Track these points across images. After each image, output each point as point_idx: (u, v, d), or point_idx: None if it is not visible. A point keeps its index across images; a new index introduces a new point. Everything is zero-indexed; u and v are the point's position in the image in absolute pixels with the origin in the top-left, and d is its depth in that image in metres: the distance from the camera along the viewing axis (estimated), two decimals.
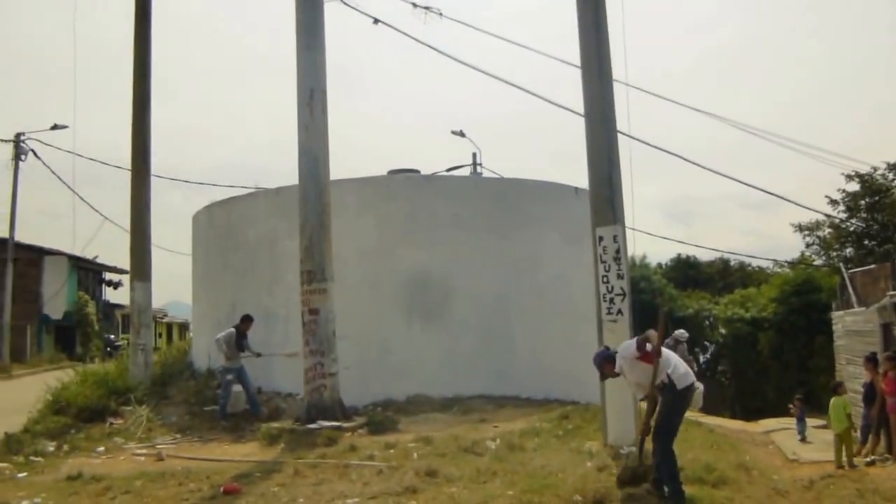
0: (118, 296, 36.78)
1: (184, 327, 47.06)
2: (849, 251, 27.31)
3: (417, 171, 13.11)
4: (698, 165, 13.56)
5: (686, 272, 33.69)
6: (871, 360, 9.15)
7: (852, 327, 16.07)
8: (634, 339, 5.78)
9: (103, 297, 37.04)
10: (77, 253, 29.69)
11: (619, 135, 8.52)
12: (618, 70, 8.73)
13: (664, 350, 5.70)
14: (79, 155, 29.20)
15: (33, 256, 29.99)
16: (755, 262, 36.43)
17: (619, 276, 7.79)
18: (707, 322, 27.47)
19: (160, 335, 43.07)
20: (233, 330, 10.63)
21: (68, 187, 22.78)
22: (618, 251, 7.84)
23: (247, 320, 10.71)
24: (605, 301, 7.78)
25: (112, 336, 34.11)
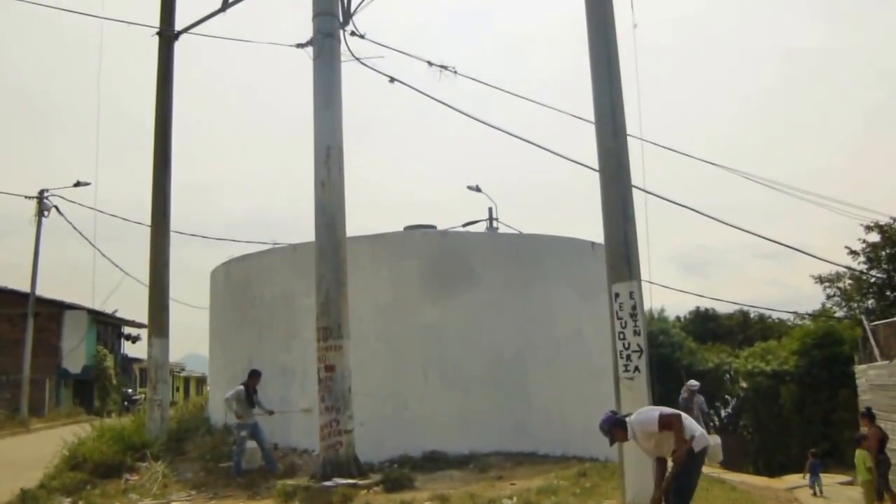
0: (136, 349, 36.94)
1: (201, 381, 47.07)
2: (870, 303, 27.07)
3: (433, 227, 13.19)
4: (714, 219, 13.57)
5: (705, 325, 33.43)
6: (867, 416, 9.08)
7: (876, 381, 15.87)
8: (657, 414, 5.63)
9: (122, 351, 37.20)
10: (97, 307, 29.94)
11: (634, 189, 8.56)
12: (633, 123, 8.80)
13: (683, 416, 5.67)
14: (100, 211, 29.56)
15: (54, 311, 30.26)
16: (775, 315, 36.08)
17: (636, 333, 7.75)
18: (728, 376, 27.13)
19: (177, 389, 43.09)
20: (241, 387, 10.61)
21: (90, 243, 22.98)
22: (634, 307, 7.81)
23: (254, 375, 10.70)
24: (621, 358, 7.73)
25: (130, 390, 34.15)
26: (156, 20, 13.71)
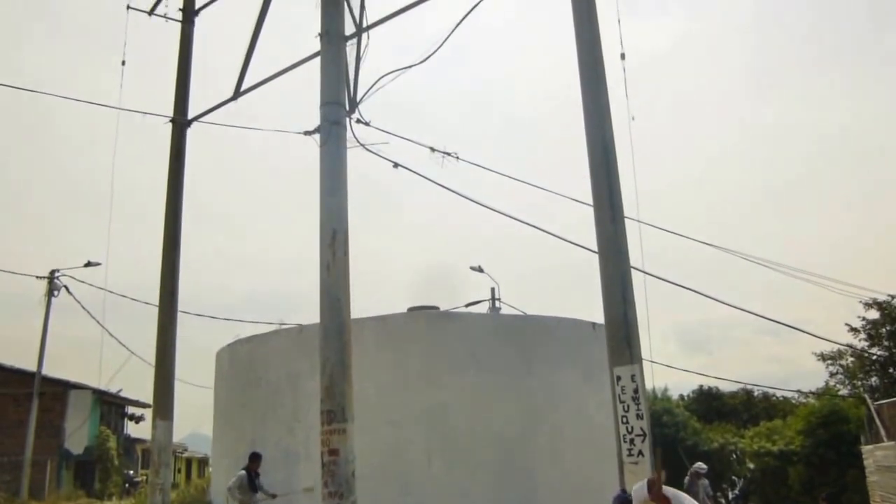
0: (140, 430, 36.49)
1: (203, 462, 46.30)
2: (874, 380, 26.79)
3: (437, 308, 13.22)
4: (713, 299, 13.58)
5: (709, 404, 33.02)
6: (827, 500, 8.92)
7: (884, 462, 15.59)
8: (645, 481, 5.70)
9: (125, 432, 36.74)
10: (102, 387, 29.74)
11: (633, 270, 8.62)
12: (633, 202, 8.91)
13: (676, 492, 5.62)
14: (110, 291, 29.64)
15: (59, 390, 30.02)
16: (780, 393, 35.66)
17: (639, 417, 7.69)
18: (734, 456, 26.66)
19: (179, 471, 42.36)
20: (243, 472, 10.47)
21: (98, 323, 23.03)
22: (636, 391, 7.77)
23: (255, 459, 10.56)
24: (625, 442, 7.65)
25: (131, 472, 33.59)
26: (167, 100, 14.05)
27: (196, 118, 13.97)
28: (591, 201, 8.86)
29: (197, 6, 13.67)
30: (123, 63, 14.31)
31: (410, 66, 9.86)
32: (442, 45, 9.41)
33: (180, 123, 13.89)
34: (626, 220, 8.76)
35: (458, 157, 11.33)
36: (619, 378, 7.97)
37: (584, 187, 9.20)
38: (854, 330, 26.12)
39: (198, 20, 13.93)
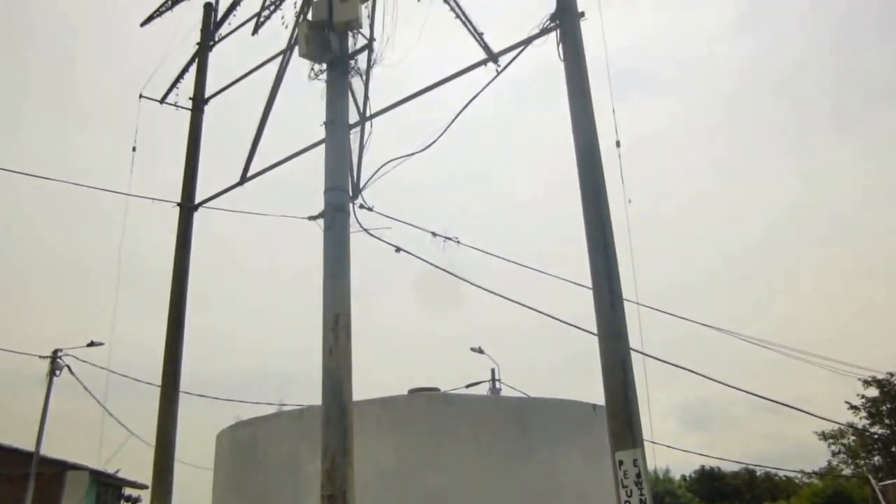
0: None
1: None
2: (877, 459, 26.47)
3: (437, 390, 13.18)
4: (712, 380, 13.54)
5: (711, 484, 32.57)
6: None
7: None
8: None
9: None
10: (99, 467, 29.29)
11: (633, 352, 8.65)
12: (636, 283, 9.00)
13: None
14: (112, 371, 29.44)
15: (56, 471, 29.56)
16: (782, 472, 35.17)
17: (642, 502, 7.62)
18: None
19: None
20: None
21: (99, 403, 22.90)
22: (639, 475, 7.72)
23: None
24: None
25: None
26: (174, 180, 14.29)
27: (203, 203, 14.19)
28: (590, 284, 8.98)
29: (207, 95, 14.05)
30: (134, 149, 14.61)
31: (413, 154, 10.09)
32: (443, 133, 9.63)
33: (187, 208, 14.11)
34: (625, 302, 8.88)
35: (458, 242, 11.50)
36: (621, 463, 7.91)
37: (583, 268, 9.33)
38: (854, 408, 26.02)
39: (207, 108, 14.32)
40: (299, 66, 11.11)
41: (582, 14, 8.18)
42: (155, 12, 15.12)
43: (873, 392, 26.17)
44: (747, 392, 13.67)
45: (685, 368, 13.68)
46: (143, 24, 15.44)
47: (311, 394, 12.11)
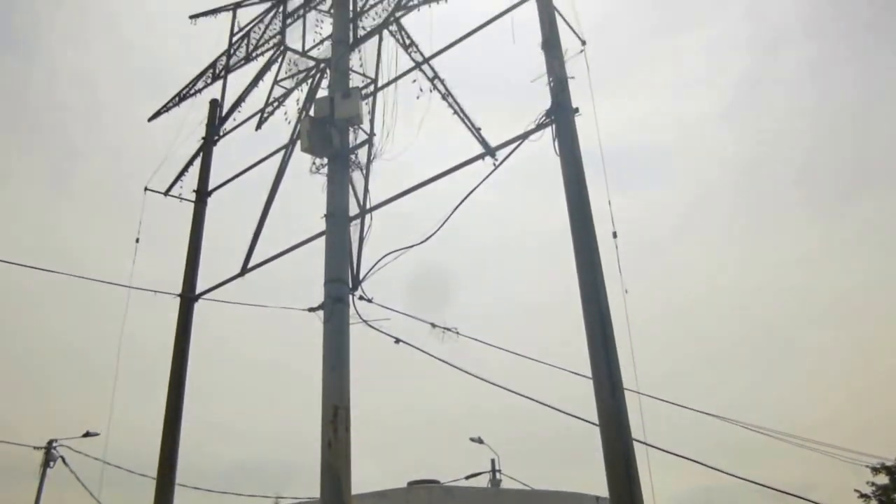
0: None
1: None
2: None
3: (437, 482, 12.88)
4: (717, 470, 13.26)
5: None
6: None
7: None
8: None
9: None
10: None
11: (636, 441, 8.47)
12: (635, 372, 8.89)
13: None
14: (107, 463, 28.82)
15: None
16: None
17: None
18: None
19: None
20: None
21: (92, 496, 22.36)
22: None
23: None
24: None
25: None
26: (174, 269, 14.30)
27: (203, 293, 14.17)
28: (590, 374, 8.86)
29: (210, 188, 14.21)
30: (137, 240, 14.67)
31: (412, 246, 10.11)
32: (442, 225, 9.67)
33: (188, 298, 14.08)
34: (625, 392, 8.74)
35: (458, 333, 11.41)
36: None
37: (582, 353, 9.23)
38: (865, 496, 25.24)
39: (210, 200, 14.45)
40: (301, 158, 11.30)
41: (576, 110, 8.34)
42: (162, 108, 15.46)
43: (883, 479, 25.43)
44: (754, 482, 13.33)
45: (689, 459, 13.40)
46: (150, 119, 15.78)
47: (310, 485, 11.81)
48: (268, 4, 14.37)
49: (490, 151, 9.31)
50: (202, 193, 14.10)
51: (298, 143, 10.97)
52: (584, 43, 8.99)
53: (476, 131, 9.75)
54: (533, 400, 13.03)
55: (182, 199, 14.43)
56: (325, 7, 12.92)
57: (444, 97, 10.27)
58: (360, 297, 11.65)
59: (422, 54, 10.78)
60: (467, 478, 19.36)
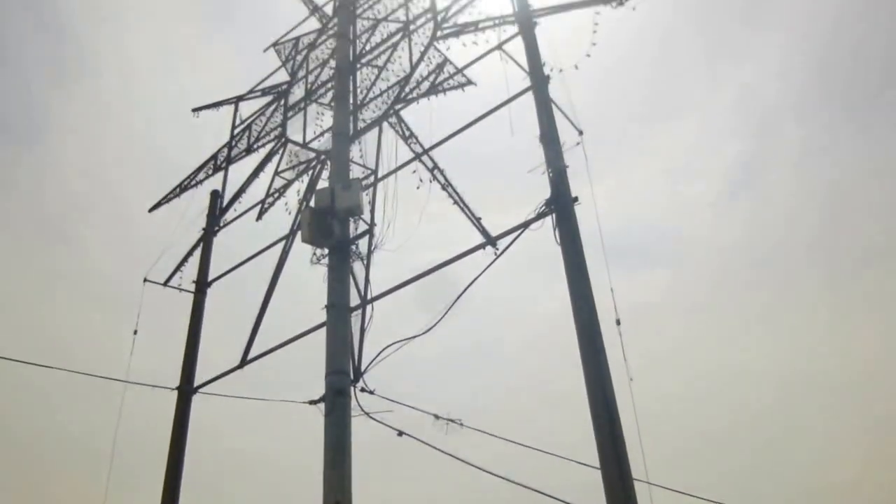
0: None
1: None
2: None
3: None
4: None
5: None
6: None
7: None
8: None
9: None
10: None
11: None
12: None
13: None
14: None
15: None
16: None
17: None
18: None
19: None
20: None
21: None
22: None
23: None
24: None
25: None
26: (171, 360, 14.04)
27: (201, 386, 13.89)
28: (597, 463, 8.57)
29: (210, 278, 14.09)
30: (135, 332, 14.45)
31: (414, 337, 9.94)
32: (443, 316, 9.51)
33: (186, 391, 13.80)
34: (635, 482, 8.44)
35: (461, 424, 11.11)
36: None
37: (590, 445, 8.96)
38: None
39: (209, 290, 14.31)
40: (302, 248, 11.21)
41: (576, 199, 8.31)
42: (163, 199, 15.47)
43: None
44: None
45: None
46: (150, 210, 15.77)
47: None
48: (269, 98, 14.59)
49: (491, 241, 9.23)
50: (202, 284, 13.98)
51: (299, 233, 10.91)
52: (581, 133, 9.04)
53: (476, 221, 9.69)
54: (536, 491, 12.63)
55: (181, 289, 14.29)
56: (325, 100, 13.11)
57: (443, 187, 10.26)
58: (363, 389, 11.41)
59: (421, 145, 10.84)
60: None
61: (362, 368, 11.15)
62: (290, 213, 12.70)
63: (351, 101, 12.15)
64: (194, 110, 15.84)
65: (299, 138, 13.11)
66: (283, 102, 14.11)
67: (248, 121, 14.80)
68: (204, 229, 14.35)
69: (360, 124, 11.74)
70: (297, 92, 13.94)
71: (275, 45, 15.25)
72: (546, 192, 8.62)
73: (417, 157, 10.69)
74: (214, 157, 15.05)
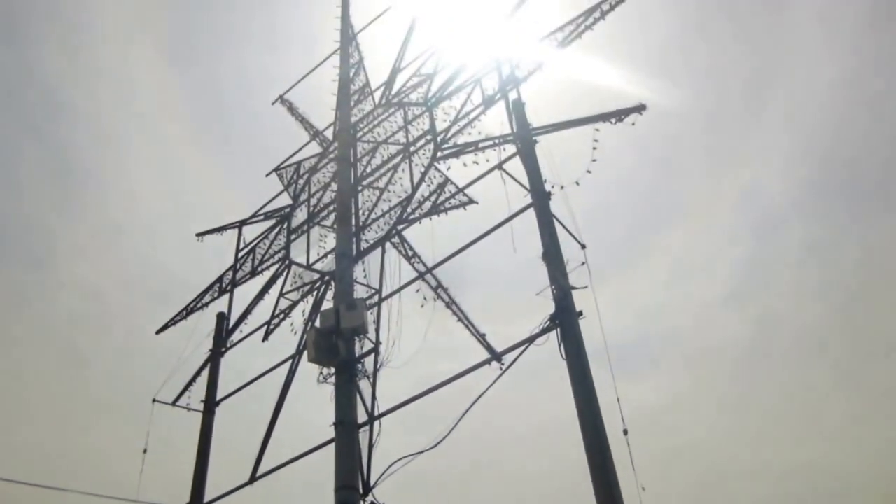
0: None
1: None
2: None
3: None
4: None
5: None
6: None
7: None
8: None
9: None
10: None
11: None
12: None
13: None
14: None
15: None
16: None
17: None
18: None
19: None
20: None
21: None
22: None
23: None
24: None
25: None
26: (180, 476, 13.77)
27: (211, 503, 13.63)
28: None
29: (218, 398, 14.02)
30: (145, 451, 14.26)
31: (422, 452, 9.84)
32: (451, 431, 9.45)
33: None
34: None
35: None
36: None
37: None
38: None
39: (218, 409, 14.21)
40: (308, 366, 11.19)
41: (580, 313, 8.39)
42: (170, 321, 15.54)
43: None
44: None
45: None
46: (158, 332, 15.81)
47: None
48: (272, 221, 14.85)
49: (496, 356, 9.26)
50: (210, 404, 13.91)
51: (305, 353, 10.94)
52: (583, 247, 9.10)
53: (481, 337, 9.75)
54: None
55: (190, 409, 14.22)
56: (328, 223, 13.33)
57: (447, 305, 10.36)
58: (372, 503, 11.22)
59: (424, 264, 10.96)
60: None
61: (371, 482, 11.01)
62: (295, 334, 12.74)
63: (353, 222, 12.35)
64: (198, 235, 16.10)
65: (303, 260, 13.29)
66: (286, 225, 14.36)
67: (253, 244, 15.02)
68: (211, 350, 14.37)
69: (363, 245, 11.88)
70: (300, 215, 14.22)
71: (277, 169, 15.64)
72: (550, 303, 8.72)
73: (421, 276, 10.80)
74: (220, 279, 15.19)
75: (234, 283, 14.65)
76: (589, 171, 9.95)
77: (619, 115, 10.14)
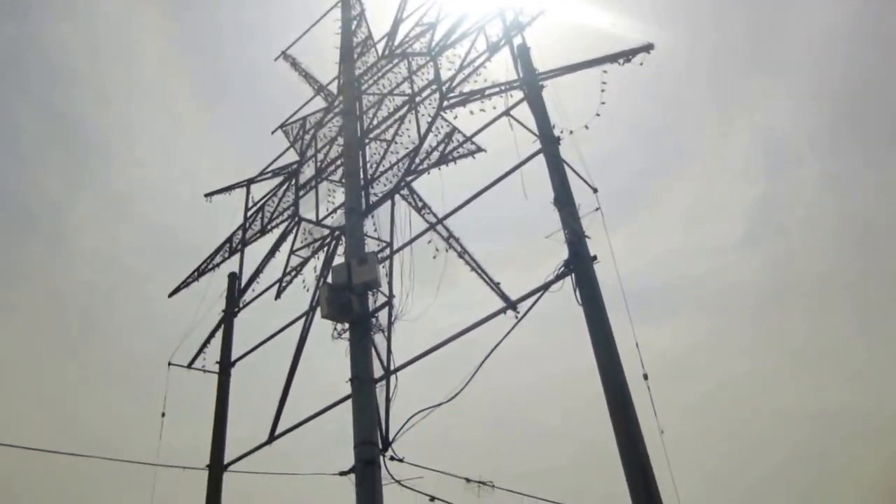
0: None
1: None
2: None
3: None
4: None
5: None
6: None
7: None
8: None
9: None
10: None
11: None
12: None
13: None
14: None
15: None
16: None
17: None
18: None
19: None
20: None
21: None
22: None
23: None
24: None
25: None
26: (200, 438, 13.78)
27: (231, 464, 13.62)
28: None
29: (233, 358, 13.92)
30: (163, 415, 14.24)
31: (439, 405, 9.71)
32: (467, 383, 9.29)
33: (216, 470, 13.52)
34: None
35: (493, 486, 10.80)
36: None
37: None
38: None
39: (234, 370, 14.12)
40: (323, 322, 11.03)
41: (594, 258, 8.16)
42: (182, 283, 15.38)
43: None
44: None
45: None
46: (170, 295, 15.66)
47: None
48: (280, 178, 14.60)
49: (511, 305, 9.04)
50: (225, 365, 13.82)
51: (318, 309, 10.76)
52: (595, 191, 8.87)
53: (496, 286, 9.51)
54: None
55: (205, 370, 14.13)
56: (336, 177, 13.09)
57: (460, 255, 10.12)
58: (392, 458, 11.14)
59: (435, 215, 10.72)
60: None
61: (390, 437, 10.91)
62: (307, 290, 12.56)
63: (361, 176, 12.11)
64: (207, 195, 15.85)
65: (312, 216, 13.08)
66: (294, 182, 14.12)
67: (261, 202, 14.80)
68: (224, 311, 14.23)
69: (372, 198, 11.66)
70: (308, 171, 13.98)
71: (282, 126, 15.34)
72: (564, 248, 8.48)
73: (432, 226, 10.57)
74: (230, 239, 15.01)
75: (245, 243, 14.45)
76: (598, 115, 9.69)
77: (627, 55, 9.87)
